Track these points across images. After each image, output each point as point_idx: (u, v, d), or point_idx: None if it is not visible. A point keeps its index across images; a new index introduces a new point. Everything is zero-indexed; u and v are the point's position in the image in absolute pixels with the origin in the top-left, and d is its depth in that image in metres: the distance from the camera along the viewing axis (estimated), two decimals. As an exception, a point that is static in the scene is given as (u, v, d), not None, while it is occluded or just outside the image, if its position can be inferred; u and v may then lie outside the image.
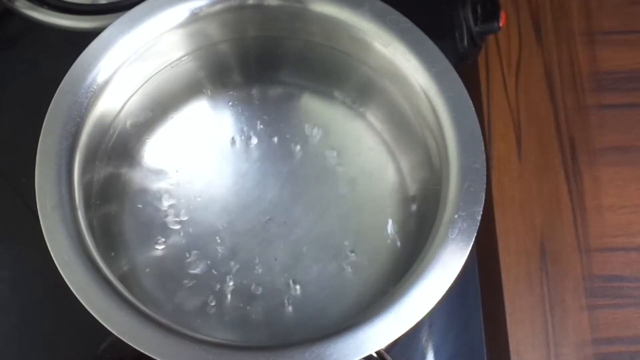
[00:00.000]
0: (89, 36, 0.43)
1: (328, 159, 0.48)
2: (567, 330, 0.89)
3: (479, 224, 0.38)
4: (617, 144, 0.82)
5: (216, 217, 0.46)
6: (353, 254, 0.45)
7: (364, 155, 0.48)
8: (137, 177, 0.46)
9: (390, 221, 0.46)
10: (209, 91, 0.49)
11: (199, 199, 0.46)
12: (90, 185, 0.43)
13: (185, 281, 0.44)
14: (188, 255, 0.45)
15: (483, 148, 0.40)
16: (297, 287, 0.44)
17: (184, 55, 0.48)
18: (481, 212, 0.39)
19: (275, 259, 0.45)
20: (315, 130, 0.48)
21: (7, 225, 0.47)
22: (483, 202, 0.39)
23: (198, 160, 0.48)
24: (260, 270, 0.44)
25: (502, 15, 0.52)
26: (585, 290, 0.86)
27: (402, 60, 0.44)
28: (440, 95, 0.42)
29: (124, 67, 0.43)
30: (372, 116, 0.49)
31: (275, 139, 0.48)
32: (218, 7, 0.45)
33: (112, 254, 0.43)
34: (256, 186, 0.47)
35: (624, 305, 0.77)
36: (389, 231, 0.45)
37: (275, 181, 0.47)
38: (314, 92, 0.50)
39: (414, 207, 0.46)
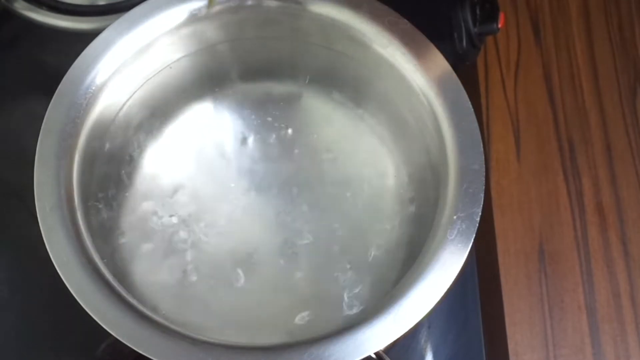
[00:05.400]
0: (87, 37, 0.43)
1: (327, 160, 0.48)
2: (566, 331, 0.89)
3: (477, 225, 0.38)
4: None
5: (215, 218, 0.46)
6: (352, 255, 0.45)
7: (362, 156, 0.48)
8: (136, 178, 0.46)
9: (388, 222, 0.46)
10: (207, 92, 0.49)
11: (198, 201, 0.46)
12: (89, 186, 0.43)
13: (185, 283, 0.44)
14: (187, 257, 0.45)
15: (482, 149, 0.40)
16: (297, 287, 0.44)
17: (183, 57, 0.48)
18: (480, 213, 0.39)
19: (275, 260, 0.45)
20: (313, 132, 0.48)
21: (6, 227, 0.47)
22: (482, 203, 0.39)
23: (197, 162, 0.48)
24: (260, 272, 0.44)
25: (501, 16, 0.52)
26: (584, 291, 0.86)
27: (400, 62, 0.44)
28: (439, 96, 0.42)
29: (122, 69, 0.43)
30: (371, 117, 0.49)
31: (274, 140, 0.48)
32: (217, 8, 0.45)
33: (111, 255, 0.43)
34: (255, 187, 0.47)
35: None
36: (387, 232, 0.45)
37: (274, 182, 0.47)
38: (313, 93, 0.50)
39: (412, 208, 0.46)
